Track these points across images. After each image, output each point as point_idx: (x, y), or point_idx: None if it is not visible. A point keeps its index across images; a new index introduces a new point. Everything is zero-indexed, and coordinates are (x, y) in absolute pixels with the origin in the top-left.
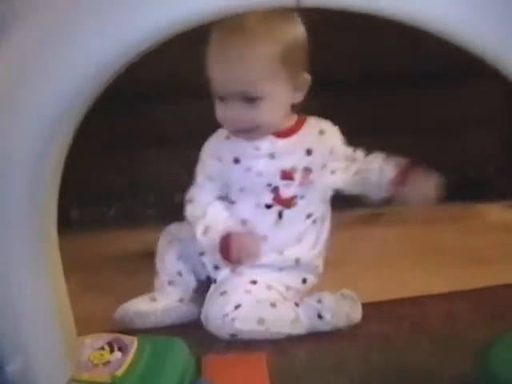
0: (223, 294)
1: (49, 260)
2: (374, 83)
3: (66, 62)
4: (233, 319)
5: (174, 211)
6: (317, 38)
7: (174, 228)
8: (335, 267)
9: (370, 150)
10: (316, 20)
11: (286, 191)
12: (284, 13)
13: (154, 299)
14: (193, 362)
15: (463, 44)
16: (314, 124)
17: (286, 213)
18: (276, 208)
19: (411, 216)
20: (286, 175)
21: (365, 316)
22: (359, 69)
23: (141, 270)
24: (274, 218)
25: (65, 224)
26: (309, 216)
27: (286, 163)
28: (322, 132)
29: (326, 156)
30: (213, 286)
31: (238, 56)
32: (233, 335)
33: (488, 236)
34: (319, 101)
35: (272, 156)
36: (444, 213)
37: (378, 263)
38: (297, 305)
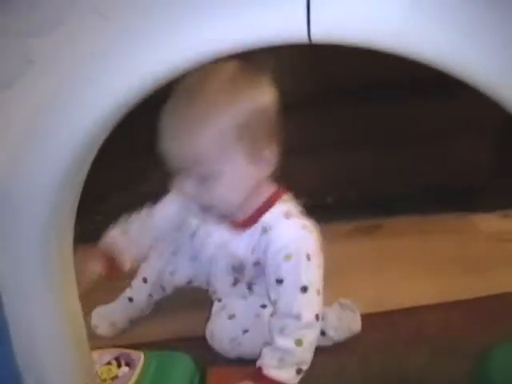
0: (232, 317)
1: (62, 276)
2: (359, 95)
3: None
4: (239, 343)
5: None
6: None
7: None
8: (332, 278)
9: (358, 161)
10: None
11: (242, 280)
12: (252, 78)
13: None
14: (198, 377)
15: (460, 76)
16: (279, 212)
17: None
18: (242, 284)
19: (408, 228)
20: (236, 270)
21: (363, 327)
22: (341, 80)
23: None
24: (243, 292)
25: None
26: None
27: (235, 259)
28: (268, 230)
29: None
30: (219, 305)
31: (187, 129)
32: (239, 357)
33: (482, 246)
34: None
35: (221, 247)
36: (439, 224)
37: (374, 274)
38: None
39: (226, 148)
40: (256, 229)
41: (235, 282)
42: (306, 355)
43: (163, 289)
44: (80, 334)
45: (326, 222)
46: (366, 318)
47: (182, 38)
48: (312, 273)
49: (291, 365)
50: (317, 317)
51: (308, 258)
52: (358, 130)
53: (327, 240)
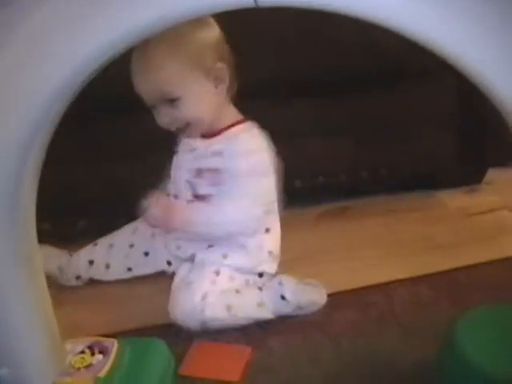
0: (189, 286)
1: (32, 270)
2: (329, 87)
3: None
4: (201, 308)
5: None
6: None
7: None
8: (303, 262)
9: (327, 152)
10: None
11: (202, 189)
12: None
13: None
14: (173, 361)
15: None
16: (243, 128)
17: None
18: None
19: (375, 208)
20: (197, 174)
21: (334, 305)
22: (311, 73)
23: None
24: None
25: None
26: None
27: (199, 163)
28: (236, 136)
29: (233, 160)
30: (176, 280)
31: (148, 66)
32: (202, 323)
33: (448, 222)
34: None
35: (191, 153)
36: (405, 203)
37: (344, 255)
38: (260, 289)
39: (184, 75)
40: (220, 138)
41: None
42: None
43: None
44: (51, 326)
45: (294, 207)
46: (336, 296)
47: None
48: (257, 185)
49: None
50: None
51: (260, 171)
52: (323, 118)
53: (296, 224)
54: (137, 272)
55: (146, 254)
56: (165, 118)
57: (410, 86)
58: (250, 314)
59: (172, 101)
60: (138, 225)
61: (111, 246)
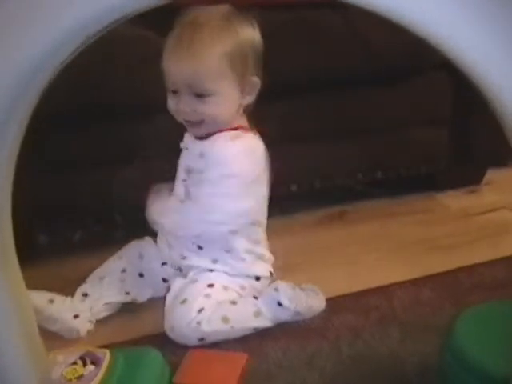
0: (184, 302)
1: (9, 280)
2: (321, 85)
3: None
4: (198, 323)
5: (142, 231)
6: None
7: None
8: (301, 266)
9: (319, 152)
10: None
11: (191, 189)
12: (242, 17)
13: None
14: (168, 370)
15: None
16: (230, 134)
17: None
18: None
19: (374, 211)
20: (188, 173)
21: (333, 309)
22: (305, 72)
23: None
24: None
25: (32, 250)
26: None
27: (188, 162)
28: (218, 141)
29: (210, 164)
30: (169, 297)
31: (189, 52)
32: (200, 339)
33: (447, 224)
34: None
35: (185, 151)
36: (405, 205)
37: (343, 259)
38: (256, 298)
39: (220, 71)
40: (209, 141)
41: (185, 194)
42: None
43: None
44: (33, 337)
45: (292, 211)
46: (335, 300)
47: None
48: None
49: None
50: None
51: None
52: (321, 120)
53: (295, 229)
54: (137, 296)
55: (141, 275)
56: (185, 107)
57: (409, 87)
58: (247, 325)
59: (199, 95)
60: (121, 252)
61: (102, 278)
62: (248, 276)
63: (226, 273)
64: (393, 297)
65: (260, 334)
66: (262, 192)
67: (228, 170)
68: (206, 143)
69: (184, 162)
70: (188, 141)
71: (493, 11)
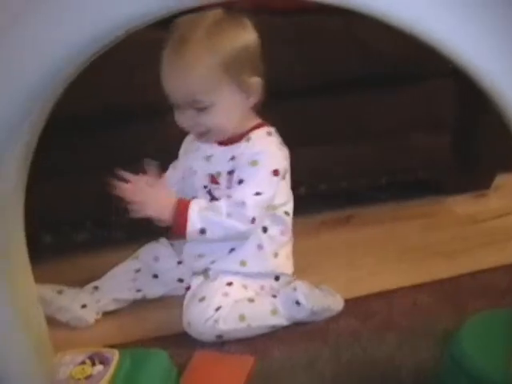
0: (202, 299)
1: (19, 281)
2: (321, 90)
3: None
4: (215, 321)
5: (144, 232)
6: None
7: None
8: (305, 269)
9: (320, 157)
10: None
11: (218, 194)
12: (234, 20)
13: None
14: (175, 372)
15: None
16: (258, 133)
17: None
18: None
19: (380, 216)
20: (213, 180)
21: (336, 313)
22: (304, 76)
23: None
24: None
25: (36, 250)
26: None
27: (213, 168)
28: (248, 140)
29: (246, 163)
30: (189, 293)
31: (179, 71)
32: (218, 337)
33: (456, 228)
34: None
35: (206, 159)
36: (412, 210)
37: (347, 263)
38: (274, 296)
39: (215, 82)
40: (240, 142)
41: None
42: (219, 226)
43: None
44: (41, 337)
45: (298, 215)
46: None
47: None
48: (269, 184)
49: (206, 218)
50: (253, 220)
51: (274, 173)
52: (327, 124)
53: (300, 232)
54: (147, 293)
55: (155, 276)
56: (188, 120)
57: (416, 91)
58: (264, 323)
59: (201, 108)
60: (138, 253)
61: (115, 275)
62: (269, 275)
63: (251, 272)
64: (393, 302)
65: (266, 337)
66: (289, 186)
67: (272, 165)
68: (242, 145)
69: (206, 168)
70: (207, 148)
71: (498, 14)
